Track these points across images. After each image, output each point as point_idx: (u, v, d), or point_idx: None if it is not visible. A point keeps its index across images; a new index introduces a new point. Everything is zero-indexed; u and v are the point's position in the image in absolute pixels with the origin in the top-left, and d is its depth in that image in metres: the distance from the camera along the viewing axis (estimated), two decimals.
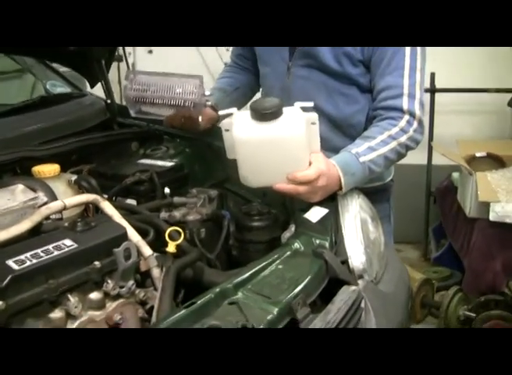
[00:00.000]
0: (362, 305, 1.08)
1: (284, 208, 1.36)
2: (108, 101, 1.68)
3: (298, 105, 1.18)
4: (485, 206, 2.41)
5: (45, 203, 1.06)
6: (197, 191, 1.31)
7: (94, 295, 0.92)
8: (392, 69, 1.39)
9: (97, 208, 1.11)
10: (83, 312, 0.91)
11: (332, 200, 1.28)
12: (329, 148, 1.38)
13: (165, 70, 1.41)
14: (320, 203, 1.26)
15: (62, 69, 1.89)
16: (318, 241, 1.17)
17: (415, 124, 1.38)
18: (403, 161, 1.44)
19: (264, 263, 1.06)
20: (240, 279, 0.99)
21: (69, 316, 0.88)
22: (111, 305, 0.94)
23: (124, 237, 0.98)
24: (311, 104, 1.19)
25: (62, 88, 1.84)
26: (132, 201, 1.28)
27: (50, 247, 0.89)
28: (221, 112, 1.25)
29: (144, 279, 1.04)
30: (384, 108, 1.40)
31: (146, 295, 0.99)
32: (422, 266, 3.20)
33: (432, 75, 3.09)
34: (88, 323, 0.91)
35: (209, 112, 1.51)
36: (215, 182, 1.47)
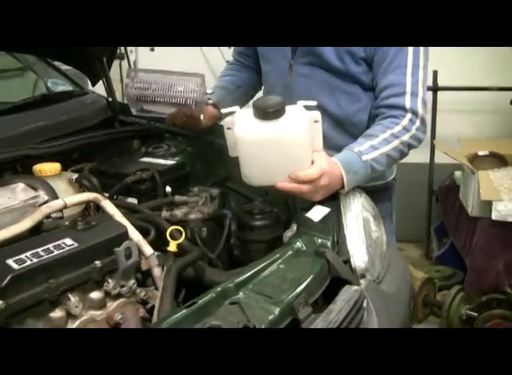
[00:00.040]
0: (364, 304, 1.08)
1: (286, 207, 1.36)
2: (110, 99, 1.68)
3: (301, 103, 1.17)
4: (488, 205, 2.40)
5: (46, 202, 1.06)
6: (198, 189, 1.31)
7: (95, 295, 0.92)
8: (394, 67, 1.38)
9: (98, 207, 1.10)
10: (84, 312, 0.90)
11: (334, 199, 1.28)
12: (331, 146, 1.37)
13: (167, 68, 1.40)
14: (322, 202, 1.26)
15: (64, 67, 1.88)
16: (320, 241, 1.17)
17: (418, 122, 1.37)
18: (405, 159, 1.43)
19: (265, 263, 1.05)
20: (241, 278, 0.98)
21: (70, 315, 0.88)
22: (111, 305, 0.94)
23: (125, 236, 0.97)
24: (314, 103, 1.18)
25: (63, 86, 1.83)
26: (133, 200, 1.27)
27: (50, 246, 0.88)
28: (223, 111, 1.25)
29: (144, 278, 1.03)
30: (386, 107, 1.39)
31: (147, 295, 0.99)
32: (424, 264, 3.19)
33: (435, 73, 3.08)
34: (89, 323, 0.90)
35: (211, 110, 1.50)
36: (216, 180, 1.46)
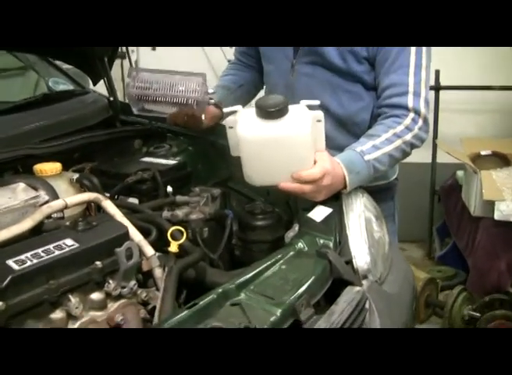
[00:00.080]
0: (366, 306, 1.07)
1: (288, 207, 1.35)
2: (111, 98, 1.67)
3: (304, 103, 1.17)
4: (490, 205, 2.40)
5: (46, 202, 1.05)
6: (199, 189, 1.30)
7: (96, 296, 0.91)
8: (397, 66, 1.37)
9: (99, 207, 1.10)
10: (84, 313, 0.90)
11: (336, 199, 1.27)
12: (334, 146, 1.36)
13: (169, 67, 1.40)
14: (324, 202, 1.25)
15: (65, 66, 1.88)
16: (321, 241, 1.16)
17: (420, 122, 1.36)
18: (407, 159, 1.42)
19: (267, 263, 1.05)
20: (242, 279, 0.98)
21: (70, 316, 0.88)
22: (112, 306, 0.93)
23: (126, 236, 0.97)
24: (317, 102, 1.17)
25: (64, 85, 1.83)
26: (134, 200, 1.27)
27: (51, 246, 0.88)
28: (225, 110, 1.24)
29: (146, 279, 1.03)
30: (389, 106, 1.38)
31: (148, 296, 0.98)
32: (426, 264, 3.19)
33: (437, 72, 3.07)
34: (89, 324, 0.90)
35: (212, 110, 1.50)
36: (218, 180, 1.46)
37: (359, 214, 1.26)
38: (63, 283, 0.85)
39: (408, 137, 1.34)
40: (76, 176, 1.20)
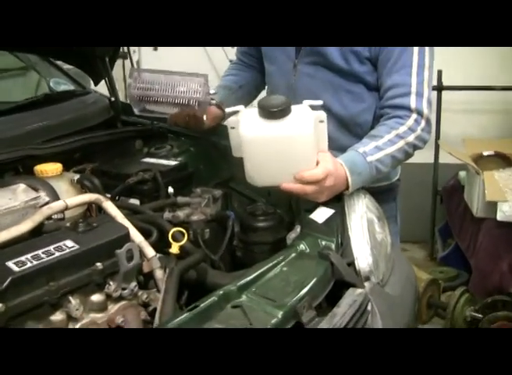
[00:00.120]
0: (368, 307, 1.06)
1: (289, 208, 1.34)
2: (112, 98, 1.67)
3: (306, 103, 1.16)
4: (493, 206, 2.39)
5: (47, 203, 1.05)
6: (201, 190, 1.30)
7: (96, 297, 0.91)
8: (399, 67, 1.37)
9: (100, 208, 1.09)
10: (85, 315, 0.89)
11: (338, 200, 1.26)
12: (336, 147, 1.35)
13: (171, 67, 1.39)
14: (326, 203, 1.24)
15: (66, 66, 1.88)
16: (323, 243, 1.16)
17: (423, 123, 1.36)
18: (410, 159, 1.42)
19: (268, 265, 1.04)
20: (244, 281, 0.97)
21: (70, 318, 0.87)
22: (113, 308, 0.93)
23: (126, 237, 0.96)
24: (319, 102, 1.17)
25: (65, 86, 1.82)
26: (135, 201, 1.26)
27: (51, 248, 0.87)
28: (227, 110, 1.23)
29: (146, 280, 1.02)
30: (391, 107, 1.38)
31: (149, 297, 0.98)
32: (428, 265, 3.18)
33: (439, 72, 3.06)
34: (89, 326, 0.89)
35: (214, 110, 1.49)
36: (219, 181, 1.45)
37: (361, 215, 1.25)
38: (63, 284, 0.85)
39: (411, 138, 1.34)
40: (76, 176, 1.20)
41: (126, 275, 0.93)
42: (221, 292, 0.93)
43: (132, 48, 3.51)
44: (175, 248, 1.02)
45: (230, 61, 1.84)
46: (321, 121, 1.16)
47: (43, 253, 0.86)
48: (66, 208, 1.02)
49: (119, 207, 1.07)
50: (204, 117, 1.45)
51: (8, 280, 0.78)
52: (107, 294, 0.92)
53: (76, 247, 0.89)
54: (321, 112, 1.16)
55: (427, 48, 1.37)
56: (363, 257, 1.17)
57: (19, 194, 1.05)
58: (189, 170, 1.41)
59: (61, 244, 0.89)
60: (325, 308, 1.03)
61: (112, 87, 1.67)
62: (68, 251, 0.87)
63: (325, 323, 0.95)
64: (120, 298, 0.93)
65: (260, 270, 1.02)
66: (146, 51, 3.67)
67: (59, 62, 1.88)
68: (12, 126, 1.35)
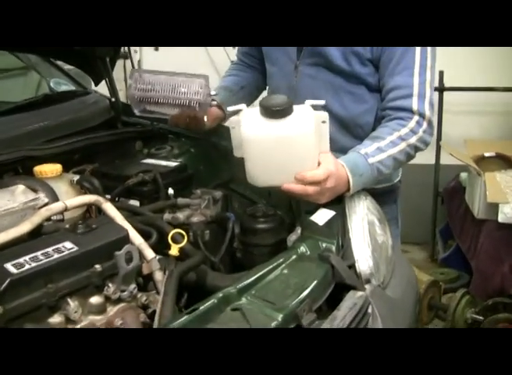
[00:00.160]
0: (369, 310, 1.06)
1: (290, 210, 1.34)
2: (113, 99, 1.66)
3: (309, 103, 1.16)
4: (494, 207, 2.38)
5: (46, 204, 1.04)
6: (201, 191, 1.29)
7: (95, 299, 0.90)
8: (401, 68, 1.36)
9: (100, 209, 1.09)
10: (83, 317, 0.89)
11: (339, 202, 1.26)
12: (337, 148, 1.35)
13: (172, 68, 1.39)
14: (327, 205, 1.24)
15: (67, 66, 1.87)
16: (324, 245, 1.15)
17: (425, 125, 1.35)
18: (411, 160, 1.41)
19: (268, 268, 1.04)
20: (243, 284, 0.97)
21: (69, 320, 0.86)
22: (112, 310, 0.92)
23: (126, 239, 0.96)
24: (322, 102, 1.16)
25: (66, 86, 1.82)
26: (135, 202, 1.26)
27: (50, 250, 0.87)
28: (229, 108, 1.23)
29: (146, 282, 1.02)
30: (393, 109, 1.37)
31: (148, 299, 0.97)
32: (429, 267, 3.17)
33: (441, 73, 3.06)
34: None
35: (215, 111, 1.49)
36: (220, 182, 1.45)
37: (362, 217, 1.25)
38: (62, 286, 0.84)
39: (413, 140, 1.33)
40: (76, 177, 1.19)
41: (125, 277, 0.93)
42: (220, 295, 0.93)
43: (133, 49, 3.51)
44: (174, 250, 1.01)
45: (231, 62, 1.83)
46: (324, 122, 1.16)
47: (41, 255, 0.85)
48: (65, 209, 1.02)
49: (118, 208, 1.06)
50: (205, 118, 1.44)
51: (6, 282, 0.78)
52: (106, 296, 0.91)
53: (75, 248, 0.88)
54: (324, 113, 1.16)
55: (429, 50, 1.36)
56: (364, 259, 1.16)
57: (18, 195, 1.05)
58: (189, 172, 1.40)
59: (60, 245, 0.88)
60: (325, 311, 1.02)
61: (112, 88, 1.67)
62: (67, 252, 0.87)
63: (325, 326, 0.94)
64: (119, 300, 0.93)
65: (260, 273, 1.01)
66: (147, 51, 3.67)
67: (60, 63, 1.87)
68: (11, 127, 1.34)
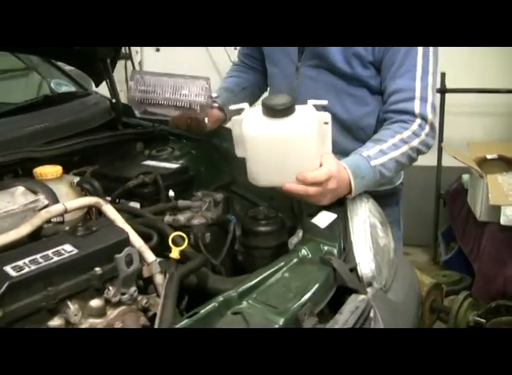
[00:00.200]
0: (371, 314, 1.05)
1: (291, 212, 1.33)
2: (113, 100, 1.66)
3: (311, 103, 1.15)
4: (496, 210, 2.38)
5: (46, 206, 1.04)
6: (202, 194, 1.28)
7: (95, 302, 0.89)
8: (403, 71, 1.35)
9: (100, 211, 1.08)
10: (83, 320, 0.88)
11: (340, 204, 1.25)
12: (338, 150, 1.34)
13: (173, 69, 1.39)
14: (328, 207, 1.23)
15: (67, 67, 1.87)
16: (326, 248, 1.14)
17: (427, 128, 1.35)
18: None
19: (270, 271, 1.03)
20: (244, 287, 0.96)
21: (69, 324, 0.86)
22: (112, 313, 0.91)
23: (126, 242, 0.95)
24: (324, 102, 1.16)
25: (66, 87, 1.82)
26: (135, 204, 1.25)
27: (49, 252, 0.86)
28: (231, 107, 1.22)
29: (146, 285, 1.01)
30: (395, 112, 1.37)
31: (148, 302, 0.96)
32: (431, 269, 3.16)
33: (443, 75, 3.06)
34: None
35: (216, 113, 1.48)
36: (221, 184, 1.44)
37: (364, 220, 1.24)
38: (62, 289, 0.84)
39: (415, 143, 1.32)
40: (76, 179, 1.19)
41: (125, 280, 0.92)
42: (221, 298, 0.92)
43: (134, 49, 3.51)
44: (175, 253, 1.01)
45: (232, 62, 1.83)
46: (326, 122, 1.15)
47: (41, 257, 0.85)
48: (65, 211, 1.01)
49: (119, 210, 1.06)
50: (206, 120, 1.44)
51: (6, 285, 0.77)
52: (106, 299, 0.90)
53: (75, 251, 0.87)
54: (326, 114, 1.15)
55: (431, 52, 1.36)
56: (365, 262, 1.15)
57: (18, 197, 1.04)
58: (190, 173, 1.40)
59: (59, 248, 0.88)
60: (326, 315, 1.01)
61: (113, 89, 1.66)
62: (67, 255, 0.86)
63: None
64: (119, 303, 0.92)
65: (261, 276, 1.01)
66: (148, 52, 3.67)
67: (60, 64, 1.87)
68: (11, 128, 1.34)
